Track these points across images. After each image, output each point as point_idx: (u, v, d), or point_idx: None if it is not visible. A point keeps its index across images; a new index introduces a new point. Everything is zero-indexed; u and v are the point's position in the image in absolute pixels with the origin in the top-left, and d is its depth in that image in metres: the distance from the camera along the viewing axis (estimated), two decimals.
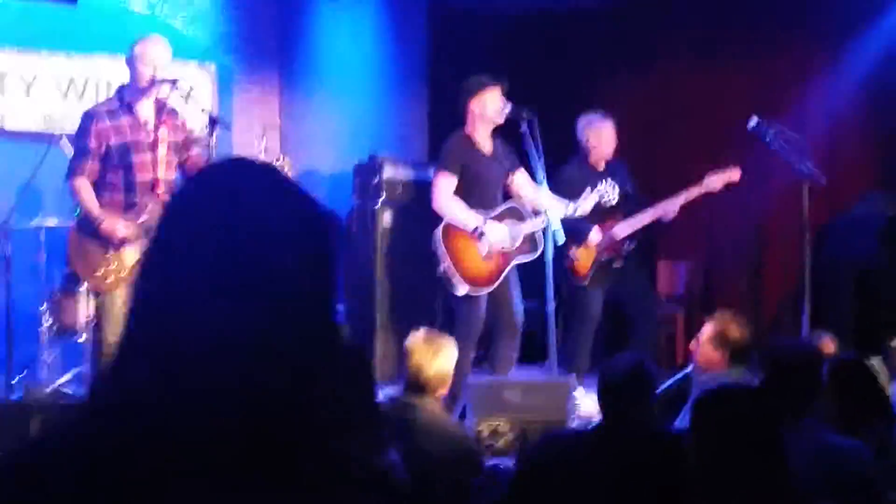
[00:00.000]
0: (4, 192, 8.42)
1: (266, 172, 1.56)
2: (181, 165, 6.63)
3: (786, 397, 3.97)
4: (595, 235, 7.79)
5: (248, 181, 1.53)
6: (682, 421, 4.94)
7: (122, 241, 6.29)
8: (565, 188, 7.57)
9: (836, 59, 9.08)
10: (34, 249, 7.83)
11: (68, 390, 7.62)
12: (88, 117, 6.42)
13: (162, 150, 6.44)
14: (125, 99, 6.45)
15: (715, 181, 7.74)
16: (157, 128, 6.46)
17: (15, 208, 7.93)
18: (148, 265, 1.53)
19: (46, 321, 7.71)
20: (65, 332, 7.75)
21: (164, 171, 6.45)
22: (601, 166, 7.98)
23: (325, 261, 1.52)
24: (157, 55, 6.44)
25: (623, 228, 7.86)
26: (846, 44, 9.04)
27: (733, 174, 7.74)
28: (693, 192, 7.76)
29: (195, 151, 6.75)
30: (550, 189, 7.28)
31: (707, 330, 5.36)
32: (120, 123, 6.38)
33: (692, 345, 5.47)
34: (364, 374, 3.90)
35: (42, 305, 7.72)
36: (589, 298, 7.92)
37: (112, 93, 6.84)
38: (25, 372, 7.85)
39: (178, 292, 1.46)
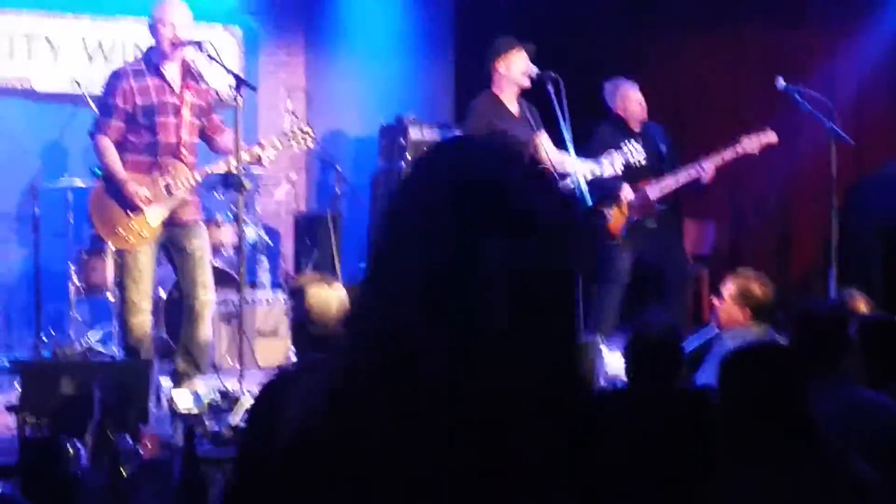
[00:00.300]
0: (32, 153, 8.46)
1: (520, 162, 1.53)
2: (202, 129, 6.62)
3: (814, 355, 3.93)
4: (627, 193, 7.75)
5: (507, 170, 1.49)
6: (702, 376, 4.92)
7: (145, 203, 6.29)
8: (601, 148, 7.55)
9: (862, 23, 8.99)
10: (62, 209, 7.86)
11: (97, 348, 7.66)
12: (116, 76, 6.43)
13: (186, 113, 6.44)
14: (152, 61, 6.44)
15: (751, 143, 7.68)
16: (181, 91, 6.46)
17: (42, 169, 7.97)
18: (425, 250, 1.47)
19: (75, 280, 7.75)
20: (93, 290, 7.79)
21: (187, 133, 6.46)
22: (636, 127, 7.95)
23: (586, 251, 1.52)
24: (176, 17, 6.41)
25: (655, 189, 7.82)
26: (872, 6, 8.95)
27: (770, 136, 7.68)
28: (728, 154, 7.70)
29: (217, 116, 6.74)
30: (586, 148, 7.24)
31: (730, 287, 5.32)
32: (146, 84, 6.37)
33: (715, 302, 5.43)
34: None
35: (70, 264, 7.76)
36: (619, 258, 7.90)
37: (139, 55, 6.84)
38: (54, 331, 7.90)
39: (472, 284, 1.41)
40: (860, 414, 3.72)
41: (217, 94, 8.29)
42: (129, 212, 6.31)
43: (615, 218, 7.85)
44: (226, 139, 6.64)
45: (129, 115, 6.32)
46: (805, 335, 4.13)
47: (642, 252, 7.97)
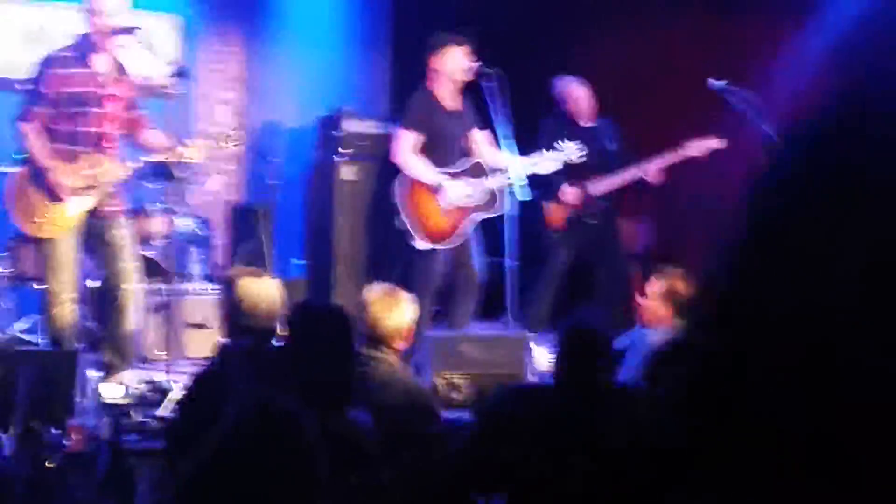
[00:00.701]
0: None
1: None
2: (127, 122, 6.52)
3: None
4: (565, 191, 7.84)
5: None
6: (623, 372, 4.94)
7: (66, 192, 6.20)
8: (545, 142, 7.58)
9: (804, 24, 9.02)
10: None
11: (24, 337, 7.54)
12: (44, 63, 6.32)
13: (109, 105, 6.35)
14: (82, 49, 6.34)
15: (694, 148, 7.77)
16: (110, 82, 6.37)
17: None
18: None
19: (1, 268, 7.62)
20: (20, 279, 7.66)
21: (110, 126, 6.37)
22: (584, 122, 8.02)
23: None
24: (109, 6, 6.32)
25: (598, 186, 7.90)
26: (815, 6, 8.98)
27: (713, 142, 7.76)
28: (671, 157, 7.79)
29: (140, 111, 6.63)
30: (532, 143, 7.27)
31: (654, 285, 5.37)
32: (73, 73, 6.28)
33: (639, 300, 5.48)
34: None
35: None
36: (554, 251, 7.99)
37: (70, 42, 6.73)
38: None
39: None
40: None
41: (149, 82, 8.22)
42: (48, 201, 6.23)
43: (554, 211, 7.93)
44: (149, 136, 6.57)
45: (54, 103, 6.23)
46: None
47: (580, 248, 8.04)
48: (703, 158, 7.85)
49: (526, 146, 7.24)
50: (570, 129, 7.89)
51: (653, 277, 5.42)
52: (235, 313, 4.44)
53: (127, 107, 6.49)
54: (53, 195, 6.21)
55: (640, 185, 7.95)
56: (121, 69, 6.51)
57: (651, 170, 7.83)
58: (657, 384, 3.25)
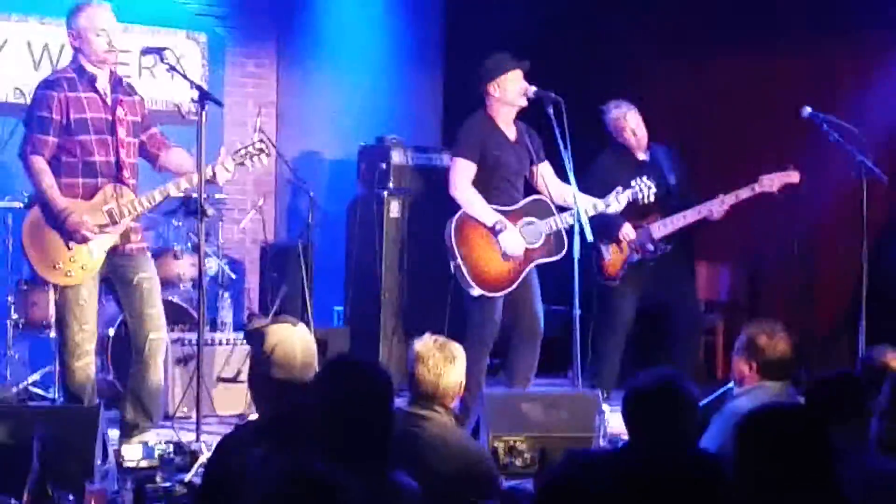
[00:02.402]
0: None
1: None
2: (142, 146, 6.54)
3: (832, 417, 3.95)
4: (627, 232, 7.81)
5: None
6: (706, 437, 4.93)
7: (92, 234, 6.21)
8: (602, 179, 7.62)
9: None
10: (0, 233, 7.85)
11: (37, 391, 7.64)
12: (48, 85, 6.29)
13: (121, 130, 6.35)
14: (84, 70, 6.33)
15: (771, 182, 7.75)
16: (114, 106, 6.37)
17: None
18: None
19: (12, 315, 7.74)
20: (32, 326, 7.77)
21: (125, 153, 6.35)
22: (641, 155, 8.01)
23: None
24: (107, 23, 6.31)
25: (660, 227, 7.86)
26: None
27: (792, 176, 7.75)
28: (744, 193, 7.77)
29: (155, 130, 6.64)
30: (585, 179, 7.30)
31: (739, 339, 5.35)
32: (78, 97, 6.27)
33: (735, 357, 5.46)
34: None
35: (8, 296, 7.75)
36: (620, 302, 7.95)
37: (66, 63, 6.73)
38: None
39: None
40: (886, 486, 3.74)
41: (178, 108, 8.32)
42: (69, 244, 6.21)
43: (613, 256, 7.91)
44: (172, 156, 6.60)
45: (65, 130, 6.21)
46: (820, 394, 4.18)
47: (645, 296, 8.01)
48: (786, 192, 7.83)
49: (579, 178, 7.22)
50: (628, 163, 7.91)
51: (742, 330, 5.40)
52: (265, 368, 4.44)
53: (137, 129, 6.48)
54: (76, 239, 6.19)
55: (705, 223, 7.92)
56: (128, 87, 6.54)
57: (722, 208, 7.80)
58: (743, 455, 3.26)
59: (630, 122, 7.99)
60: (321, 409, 3.77)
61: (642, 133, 8.01)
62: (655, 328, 8.27)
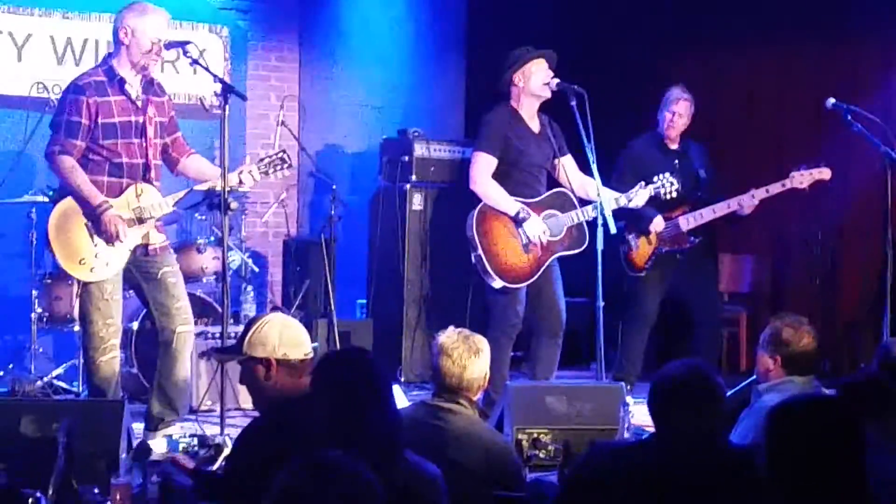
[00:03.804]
0: None
1: None
2: (164, 148, 6.54)
3: (862, 411, 3.91)
4: (658, 224, 7.79)
5: None
6: (736, 434, 4.90)
7: (122, 235, 6.21)
8: (632, 166, 7.63)
9: None
10: (24, 228, 7.85)
11: (61, 384, 7.65)
12: (78, 90, 6.25)
13: (150, 131, 6.35)
14: (115, 72, 6.30)
15: (802, 178, 7.72)
16: (144, 107, 6.36)
17: (3, 182, 7.96)
18: None
19: (36, 308, 7.74)
20: (57, 320, 7.78)
21: (153, 154, 6.36)
22: (674, 144, 7.99)
23: None
24: (163, 32, 6.32)
25: (689, 220, 7.85)
26: None
27: (823, 173, 7.72)
28: (775, 189, 7.75)
29: (179, 134, 6.64)
30: (617, 165, 7.37)
31: (764, 333, 5.32)
32: (108, 100, 6.24)
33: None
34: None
35: (32, 290, 7.76)
36: (645, 294, 7.95)
37: (96, 62, 6.71)
38: (12, 364, 7.90)
39: None
40: None
41: (201, 102, 8.33)
42: (94, 238, 6.22)
43: (641, 248, 7.90)
44: (192, 162, 6.62)
45: (93, 134, 6.20)
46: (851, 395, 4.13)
47: (671, 288, 7.99)
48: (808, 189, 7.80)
49: (604, 166, 7.20)
50: (660, 153, 7.91)
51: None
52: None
53: (164, 131, 6.49)
54: (107, 232, 6.19)
55: (736, 217, 7.90)
56: (158, 88, 6.53)
57: (751, 203, 7.77)
58: (776, 446, 3.22)
59: (680, 108, 7.97)
60: (318, 404, 3.76)
61: (683, 123, 7.98)
62: (678, 320, 8.25)
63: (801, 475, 3.17)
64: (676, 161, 7.85)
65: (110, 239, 6.20)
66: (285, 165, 6.60)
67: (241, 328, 7.78)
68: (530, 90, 7.27)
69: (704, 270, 8.20)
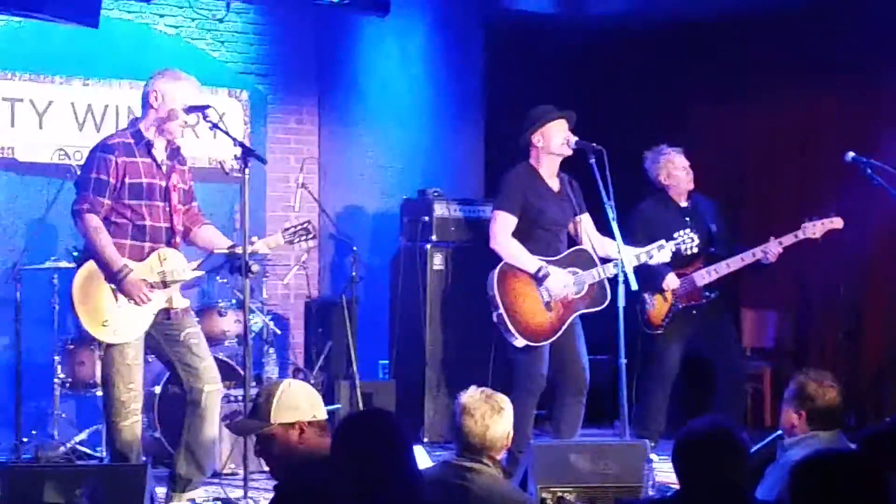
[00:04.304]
0: (15, 231, 8.51)
1: None
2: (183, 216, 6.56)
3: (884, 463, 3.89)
4: (671, 281, 7.83)
5: None
6: (762, 489, 4.87)
7: (145, 301, 6.23)
8: (644, 227, 7.63)
9: None
10: (46, 294, 7.88)
11: (84, 450, 7.64)
12: (106, 149, 6.28)
13: (175, 197, 6.40)
14: (142, 136, 6.35)
15: (814, 229, 7.73)
16: (169, 173, 6.41)
17: (27, 248, 8.00)
18: None
19: (59, 374, 7.75)
20: (79, 385, 7.78)
21: (177, 220, 6.40)
22: (683, 201, 8.01)
23: None
24: (193, 100, 6.38)
25: (704, 275, 7.87)
26: None
27: (835, 222, 7.73)
28: (787, 240, 7.76)
29: (195, 204, 6.68)
30: (628, 226, 7.30)
31: (788, 388, 5.30)
32: (135, 162, 6.29)
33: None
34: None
35: (55, 356, 7.77)
36: (665, 351, 7.95)
37: (123, 125, 6.75)
38: (36, 431, 7.89)
39: None
40: None
41: (221, 166, 8.37)
42: (120, 300, 6.21)
43: (658, 306, 7.94)
44: (203, 232, 6.63)
45: (118, 193, 6.23)
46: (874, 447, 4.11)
47: (690, 344, 7.99)
48: (832, 237, 7.80)
49: (621, 226, 7.20)
50: (672, 212, 7.93)
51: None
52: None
53: (184, 198, 6.53)
54: (125, 294, 6.21)
55: (759, 268, 7.91)
56: (181, 157, 6.57)
57: (777, 249, 7.78)
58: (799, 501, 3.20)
59: (680, 163, 8.03)
60: (341, 468, 3.75)
61: (682, 175, 8.05)
62: (701, 376, 8.23)
63: None
64: (688, 218, 7.87)
65: (135, 302, 6.21)
66: (310, 236, 6.65)
67: None
68: (549, 150, 7.30)
69: (722, 325, 8.20)
